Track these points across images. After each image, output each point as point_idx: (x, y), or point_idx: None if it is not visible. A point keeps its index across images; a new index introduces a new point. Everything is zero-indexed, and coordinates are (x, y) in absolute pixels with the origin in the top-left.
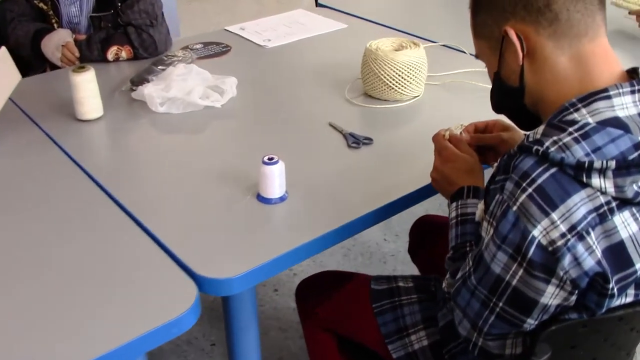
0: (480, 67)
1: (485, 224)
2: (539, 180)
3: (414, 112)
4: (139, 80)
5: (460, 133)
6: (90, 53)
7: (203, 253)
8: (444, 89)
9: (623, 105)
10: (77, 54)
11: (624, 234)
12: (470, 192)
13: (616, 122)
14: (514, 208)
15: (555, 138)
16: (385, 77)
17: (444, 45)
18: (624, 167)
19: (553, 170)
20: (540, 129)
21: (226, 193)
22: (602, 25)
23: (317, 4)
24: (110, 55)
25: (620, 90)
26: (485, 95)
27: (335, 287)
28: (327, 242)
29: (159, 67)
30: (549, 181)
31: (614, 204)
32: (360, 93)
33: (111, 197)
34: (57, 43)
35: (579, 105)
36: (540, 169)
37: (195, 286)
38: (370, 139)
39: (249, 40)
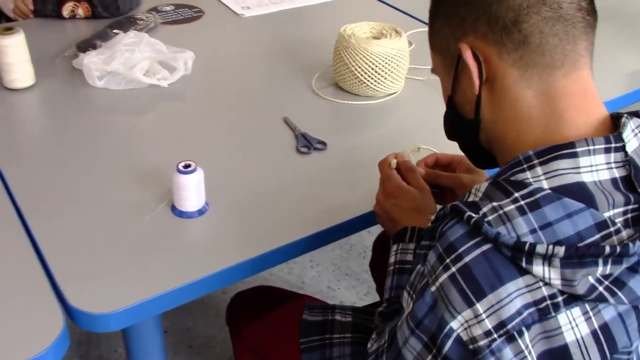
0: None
1: (405, 294)
2: (466, 258)
3: (386, 112)
4: (86, 46)
5: (422, 161)
6: (44, 7)
7: (85, 274)
8: (427, 86)
9: (592, 168)
10: (31, 7)
11: (569, 337)
12: (413, 235)
13: (578, 191)
14: (433, 288)
15: (495, 204)
16: (356, 70)
17: None
18: (577, 256)
19: (486, 247)
20: (484, 185)
21: (139, 197)
22: (585, 55)
23: None
24: (66, 11)
25: (591, 147)
26: None
27: (270, 307)
28: (241, 273)
29: (114, 31)
30: (479, 261)
31: (560, 298)
32: (330, 83)
33: (4, 181)
34: None
35: (535, 161)
36: (469, 244)
37: (61, 319)
38: (324, 143)
39: (226, 5)
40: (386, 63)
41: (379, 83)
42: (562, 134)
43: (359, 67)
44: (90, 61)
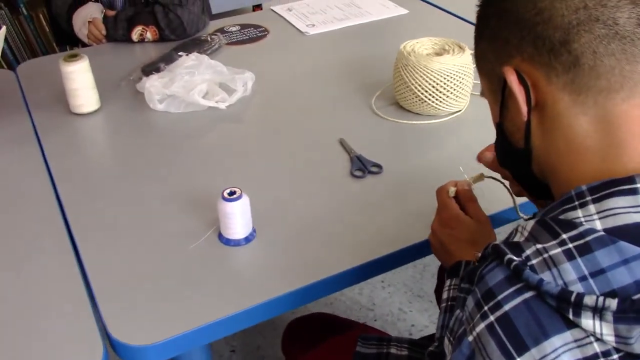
0: None
1: (446, 339)
2: (506, 307)
3: (449, 132)
4: (150, 69)
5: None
6: (115, 32)
7: (129, 304)
8: None
9: None
10: (104, 32)
11: None
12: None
13: (637, 233)
14: (470, 338)
15: (540, 247)
16: (416, 88)
17: None
18: (632, 310)
19: (528, 295)
20: (530, 224)
21: (189, 224)
22: None
23: None
24: (135, 35)
25: None
26: None
27: (326, 335)
28: (288, 304)
29: (179, 54)
30: (520, 310)
31: (616, 356)
32: (391, 102)
33: (62, 209)
34: (84, 18)
35: (588, 198)
36: (510, 290)
37: (102, 348)
38: (380, 166)
39: (291, 24)
40: (448, 80)
41: (440, 101)
42: (622, 166)
43: (419, 85)
44: (152, 85)
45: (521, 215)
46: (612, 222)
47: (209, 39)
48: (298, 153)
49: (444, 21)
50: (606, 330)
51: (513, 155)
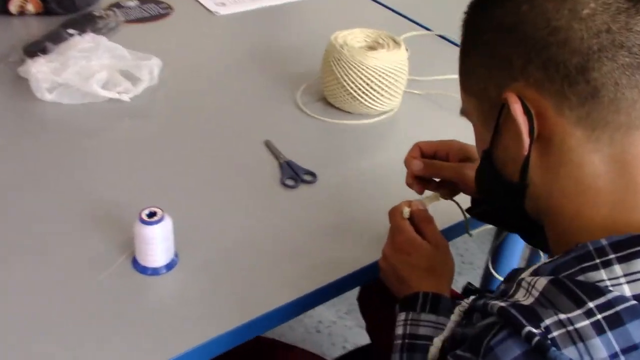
0: None
1: None
2: None
3: (383, 133)
4: (35, 50)
5: (412, 155)
6: None
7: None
8: (427, 100)
9: None
10: None
11: None
12: (427, 303)
13: None
14: None
15: (563, 317)
16: (349, 86)
17: (439, 36)
18: None
19: None
20: (541, 282)
21: (93, 247)
22: None
23: None
24: (13, 6)
25: None
26: None
27: None
28: (220, 346)
29: (69, 31)
30: None
31: None
32: (318, 98)
33: None
34: None
35: (611, 256)
36: None
37: None
38: (313, 175)
39: (197, 1)
40: (383, 78)
41: (374, 100)
42: (638, 213)
43: (353, 83)
44: (39, 70)
45: (470, 232)
46: None
47: (103, 15)
48: (219, 157)
49: (367, 8)
50: None
51: (501, 189)
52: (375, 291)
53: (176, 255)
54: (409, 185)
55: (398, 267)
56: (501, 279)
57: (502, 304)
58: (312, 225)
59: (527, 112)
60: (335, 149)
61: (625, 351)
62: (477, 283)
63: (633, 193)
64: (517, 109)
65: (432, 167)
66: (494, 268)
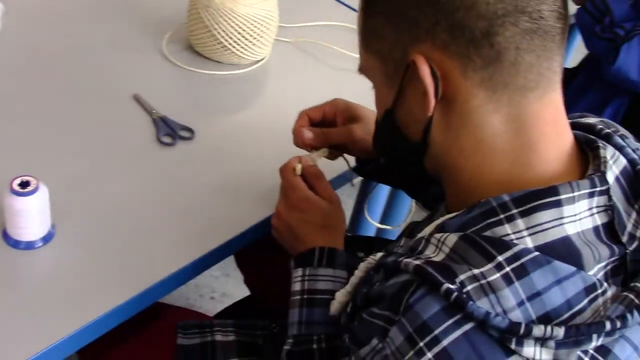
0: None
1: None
2: (445, 342)
3: (256, 83)
4: None
5: (300, 124)
6: None
7: None
8: (297, 48)
9: (575, 217)
10: None
11: None
12: (323, 258)
13: (565, 248)
14: None
15: (476, 272)
16: (220, 35)
17: None
18: (573, 334)
19: (468, 326)
20: (450, 238)
21: None
22: (559, 72)
23: None
24: None
25: (576, 194)
26: (354, 68)
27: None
28: (104, 325)
29: None
30: (460, 344)
31: None
32: (185, 46)
33: None
34: None
35: (514, 211)
36: (448, 323)
37: None
38: (190, 130)
39: None
40: (255, 26)
41: (246, 49)
42: (532, 169)
43: (224, 32)
44: None
45: (352, 183)
46: (542, 239)
47: None
48: (85, 114)
49: None
50: (546, 356)
51: (402, 148)
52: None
53: (53, 226)
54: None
55: (293, 224)
56: (375, 223)
57: (417, 262)
58: (194, 185)
59: (433, 73)
60: (209, 102)
61: (530, 298)
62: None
63: (528, 151)
64: (424, 70)
65: (322, 136)
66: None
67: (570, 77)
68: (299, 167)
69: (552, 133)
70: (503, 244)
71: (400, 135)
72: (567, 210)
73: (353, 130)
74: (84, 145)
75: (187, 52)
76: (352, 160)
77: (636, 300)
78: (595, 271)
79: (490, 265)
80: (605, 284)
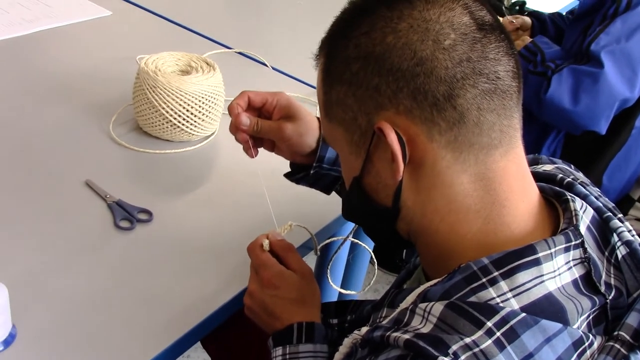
0: (294, 92)
1: None
2: None
3: (209, 159)
4: None
5: (238, 103)
6: None
7: None
8: None
9: (554, 273)
10: None
11: None
12: (302, 334)
13: (549, 306)
14: None
15: (468, 341)
16: (169, 114)
17: (239, 53)
18: None
19: None
20: (436, 307)
21: None
22: (519, 129)
23: None
24: None
25: (553, 250)
26: None
27: None
28: None
29: None
30: None
31: None
32: (132, 128)
33: None
34: None
35: (495, 274)
36: None
37: None
38: (149, 212)
39: None
40: (203, 103)
41: (195, 126)
42: (506, 226)
43: (172, 110)
44: None
45: (318, 252)
46: (526, 299)
47: None
48: (38, 206)
49: (153, 24)
50: None
51: (373, 214)
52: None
53: (14, 327)
54: (233, 133)
55: (267, 302)
56: (339, 289)
57: (406, 335)
58: (157, 269)
59: (400, 140)
60: (165, 182)
61: None
62: None
63: (499, 207)
64: (392, 137)
65: (255, 126)
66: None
67: None
68: (266, 242)
69: (520, 188)
70: (490, 309)
71: (370, 201)
72: (546, 267)
73: (284, 127)
74: (39, 238)
75: (135, 133)
76: (313, 229)
77: (622, 350)
78: (579, 324)
79: (480, 332)
80: (590, 336)
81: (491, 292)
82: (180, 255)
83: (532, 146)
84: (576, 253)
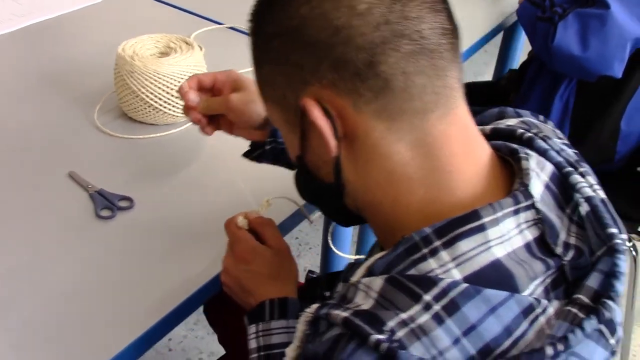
0: None
1: None
2: None
3: (194, 140)
4: None
5: (189, 84)
6: None
7: None
8: None
9: (502, 238)
10: None
11: None
12: (274, 310)
13: (495, 273)
14: None
15: (405, 317)
16: (149, 98)
17: (230, 28)
18: None
19: None
20: (376, 282)
21: None
22: (457, 87)
23: None
24: None
25: (499, 214)
26: None
27: None
28: None
29: None
30: None
31: None
32: (118, 115)
33: None
34: None
35: (437, 243)
36: None
37: None
38: (129, 199)
39: None
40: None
41: (178, 108)
42: (450, 191)
43: (152, 94)
44: None
45: (311, 219)
46: (470, 268)
47: None
48: (19, 200)
49: (156, 11)
50: None
51: (321, 191)
52: (220, 300)
53: None
54: (186, 114)
55: (241, 277)
56: (344, 255)
57: (345, 313)
58: (140, 254)
59: (327, 114)
60: (148, 167)
61: (465, 333)
62: (317, 263)
63: (441, 173)
64: (315, 113)
65: (204, 102)
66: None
67: (522, 73)
68: (241, 219)
69: (464, 151)
70: (429, 281)
71: (315, 179)
72: (492, 232)
73: (230, 99)
74: (22, 232)
75: (121, 120)
76: (298, 199)
77: (580, 314)
78: (533, 289)
79: (418, 307)
80: (544, 301)
81: (432, 263)
82: (162, 239)
83: (544, 97)
84: (528, 215)
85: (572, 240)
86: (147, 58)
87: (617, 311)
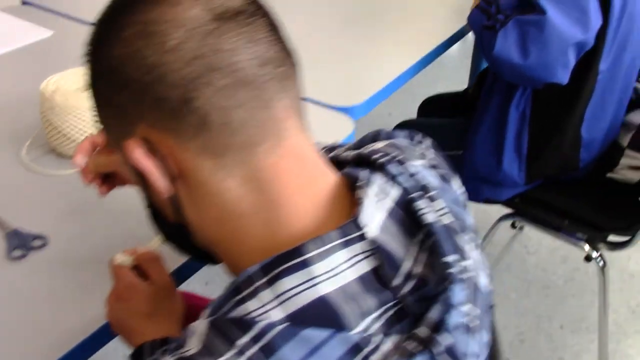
0: None
1: None
2: None
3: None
4: None
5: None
6: None
7: None
8: None
9: (330, 273)
10: None
11: None
12: (154, 352)
13: (319, 311)
14: None
15: None
16: (71, 133)
17: None
18: None
19: None
20: (202, 325)
21: None
22: (288, 116)
23: (23, 2)
24: None
25: (323, 249)
26: None
27: None
28: None
29: None
30: None
31: None
32: (47, 151)
33: None
34: None
35: (261, 282)
36: None
37: None
38: (42, 238)
39: None
40: None
41: None
42: (287, 225)
43: (74, 129)
44: None
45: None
46: (292, 306)
47: None
48: None
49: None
50: None
51: (170, 230)
52: None
53: None
54: (82, 179)
55: (122, 316)
56: None
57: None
58: (51, 295)
59: (156, 153)
60: (69, 203)
61: None
62: None
63: (276, 207)
64: (136, 154)
65: (90, 164)
66: None
67: (480, 82)
68: (118, 256)
69: (298, 184)
70: (245, 324)
71: (163, 217)
72: (317, 268)
73: (116, 160)
74: None
75: (50, 157)
76: None
77: (416, 349)
78: (367, 324)
79: (231, 353)
80: (377, 338)
81: (251, 304)
82: (73, 278)
83: (501, 106)
84: (363, 246)
85: (419, 269)
86: (69, 92)
87: (459, 342)
